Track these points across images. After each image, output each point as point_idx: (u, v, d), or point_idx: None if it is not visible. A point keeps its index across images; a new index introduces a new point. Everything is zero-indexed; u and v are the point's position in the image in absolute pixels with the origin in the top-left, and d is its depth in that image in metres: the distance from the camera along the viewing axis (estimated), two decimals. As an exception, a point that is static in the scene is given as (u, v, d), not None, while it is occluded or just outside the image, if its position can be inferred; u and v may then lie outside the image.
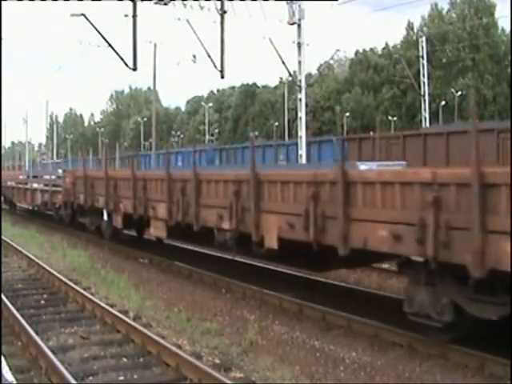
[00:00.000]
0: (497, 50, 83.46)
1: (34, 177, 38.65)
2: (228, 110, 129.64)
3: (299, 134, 33.53)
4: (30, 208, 33.09)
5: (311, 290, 13.25)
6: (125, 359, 9.14)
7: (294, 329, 10.96)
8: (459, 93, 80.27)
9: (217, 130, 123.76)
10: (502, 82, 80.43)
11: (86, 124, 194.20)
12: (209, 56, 28.66)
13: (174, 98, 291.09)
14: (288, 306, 12.40)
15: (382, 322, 10.36)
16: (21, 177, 39.96)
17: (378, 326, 10.35)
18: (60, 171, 33.80)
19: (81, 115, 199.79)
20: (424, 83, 52.62)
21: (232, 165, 43.09)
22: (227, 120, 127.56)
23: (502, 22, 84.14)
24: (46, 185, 29.42)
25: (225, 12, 28.09)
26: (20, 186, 34.26)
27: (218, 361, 9.04)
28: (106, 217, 20.31)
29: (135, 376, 8.48)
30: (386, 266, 15.20)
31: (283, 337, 10.57)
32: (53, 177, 34.04)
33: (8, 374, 7.78)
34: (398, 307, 10.87)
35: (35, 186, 31.06)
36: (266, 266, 15.89)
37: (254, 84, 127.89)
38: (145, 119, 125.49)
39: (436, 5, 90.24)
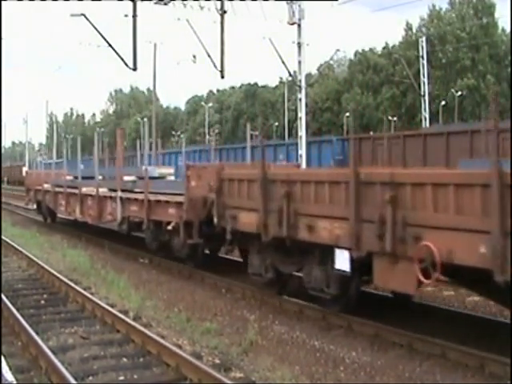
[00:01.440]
0: (497, 49, 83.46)
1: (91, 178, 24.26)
2: (228, 110, 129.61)
3: (299, 134, 33.55)
4: (99, 225, 23.42)
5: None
6: (125, 359, 9.14)
7: (294, 329, 10.97)
8: (459, 93, 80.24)
9: (217, 131, 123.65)
10: (502, 82, 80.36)
11: (86, 124, 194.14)
12: (209, 56, 28.65)
13: (174, 98, 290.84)
14: (288, 306, 12.40)
15: (382, 323, 10.38)
16: (68, 177, 26.84)
17: (378, 325, 10.36)
18: (149, 168, 21.16)
19: (82, 115, 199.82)
20: (424, 83, 52.59)
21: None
22: (227, 120, 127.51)
23: (502, 22, 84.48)
24: (125, 190, 19.73)
25: (225, 12, 28.06)
26: (70, 190, 24.47)
27: (218, 361, 9.04)
28: (345, 264, 10.32)
29: (135, 376, 8.48)
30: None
31: (283, 337, 10.57)
32: (131, 177, 21.78)
33: (8, 374, 7.78)
34: (398, 307, 10.90)
35: (102, 190, 21.27)
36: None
37: (255, 84, 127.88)
38: (145, 119, 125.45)
39: (434, 5, 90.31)
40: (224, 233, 13.51)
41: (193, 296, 13.75)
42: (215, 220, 13.88)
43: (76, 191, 23.60)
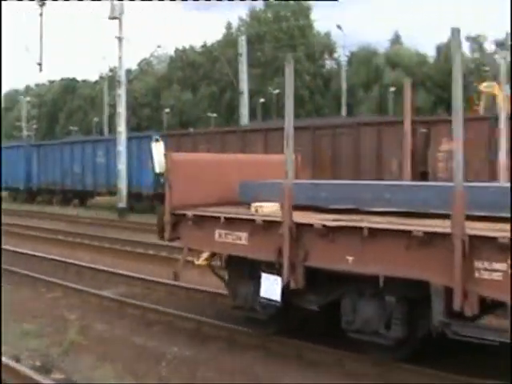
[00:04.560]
0: (313, 49, 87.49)
1: None
2: (46, 105, 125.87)
3: (118, 129, 33.34)
4: None
5: (132, 286, 13.27)
6: None
7: (115, 326, 10.92)
8: (276, 90, 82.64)
9: (35, 126, 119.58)
10: (317, 79, 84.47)
11: None
12: (26, 49, 27.86)
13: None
14: (108, 304, 12.34)
15: (203, 316, 10.60)
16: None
17: (199, 320, 10.55)
18: None
19: None
20: (242, 80, 53.63)
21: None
22: (45, 115, 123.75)
23: (317, 25, 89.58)
24: None
25: (44, 4, 27.37)
26: None
27: (38, 363, 8.85)
28: None
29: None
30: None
31: (104, 335, 10.49)
32: None
33: None
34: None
35: None
36: (86, 265, 15.74)
37: (74, 79, 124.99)
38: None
39: (254, 7, 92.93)
40: None
41: (8, 298, 13.27)
42: None
43: None
